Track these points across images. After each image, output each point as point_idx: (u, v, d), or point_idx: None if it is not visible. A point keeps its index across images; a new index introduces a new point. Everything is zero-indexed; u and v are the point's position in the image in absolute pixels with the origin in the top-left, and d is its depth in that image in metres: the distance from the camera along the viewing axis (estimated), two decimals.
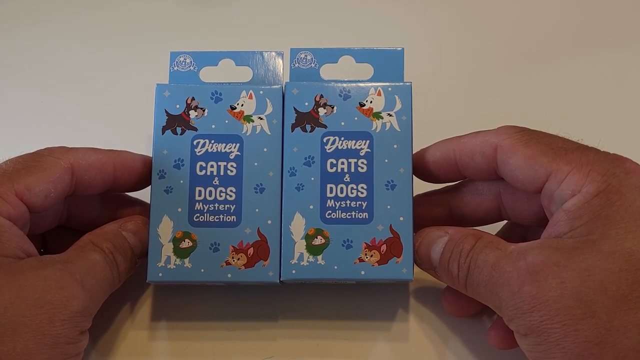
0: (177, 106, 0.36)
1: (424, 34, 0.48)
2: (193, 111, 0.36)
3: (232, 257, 0.34)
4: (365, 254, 0.34)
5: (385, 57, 0.37)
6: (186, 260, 0.34)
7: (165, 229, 0.35)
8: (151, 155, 0.36)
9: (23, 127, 0.45)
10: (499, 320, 0.35)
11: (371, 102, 0.36)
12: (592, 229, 0.29)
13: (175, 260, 0.34)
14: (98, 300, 0.33)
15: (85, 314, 0.31)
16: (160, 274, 0.34)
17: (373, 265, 0.34)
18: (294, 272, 0.34)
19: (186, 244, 0.34)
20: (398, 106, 0.36)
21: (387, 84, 0.36)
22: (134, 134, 0.39)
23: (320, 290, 0.38)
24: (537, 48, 0.47)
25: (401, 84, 0.36)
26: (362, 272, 0.34)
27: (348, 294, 0.38)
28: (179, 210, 0.35)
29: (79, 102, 0.46)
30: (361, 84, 0.36)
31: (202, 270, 0.34)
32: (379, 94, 0.36)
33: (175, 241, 0.34)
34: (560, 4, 0.48)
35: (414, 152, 0.35)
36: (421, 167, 0.36)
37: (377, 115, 0.35)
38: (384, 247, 0.34)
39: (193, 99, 0.36)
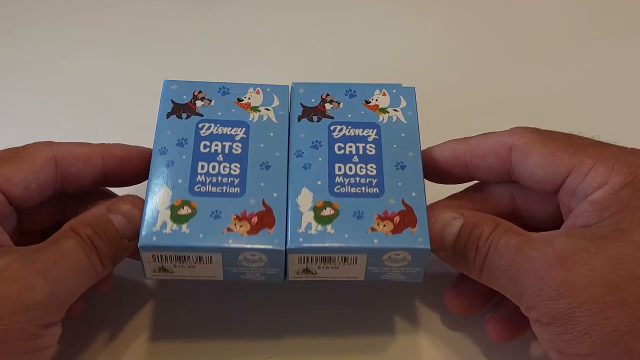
0: (184, 97, 0.36)
1: (425, 36, 0.50)
2: (200, 101, 0.36)
3: (235, 224, 0.31)
4: (378, 224, 0.32)
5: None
6: (184, 226, 0.31)
7: (163, 198, 0.32)
8: (151, 148, 0.35)
9: (23, 127, 0.45)
10: (498, 310, 0.34)
11: (377, 100, 0.36)
12: (622, 219, 0.29)
13: (172, 226, 0.31)
14: (70, 289, 0.30)
15: (48, 305, 0.28)
16: (154, 238, 0.31)
17: (387, 235, 0.31)
18: (301, 240, 0.31)
19: (185, 211, 0.32)
20: (403, 104, 0.36)
21: (392, 86, 0.37)
22: (134, 134, 0.38)
23: (321, 293, 0.37)
24: (538, 50, 0.49)
25: (405, 87, 0.37)
26: (375, 241, 0.31)
27: (348, 297, 0.37)
28: (180, 181, 0.33)
29: (79, 102, 0.46)
30: (366, 86, 0.37)
31: (201, 236, 0.31)
32: (384, 95, 0.37)
33: (174, 208, 0.32)
34: (565, 4, 0.51)
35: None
36: (428, 165, 0.35)
37: (383, 110, 0.36)
38: (397, 218, 0.32)
39: (200, 92, 0.36)
